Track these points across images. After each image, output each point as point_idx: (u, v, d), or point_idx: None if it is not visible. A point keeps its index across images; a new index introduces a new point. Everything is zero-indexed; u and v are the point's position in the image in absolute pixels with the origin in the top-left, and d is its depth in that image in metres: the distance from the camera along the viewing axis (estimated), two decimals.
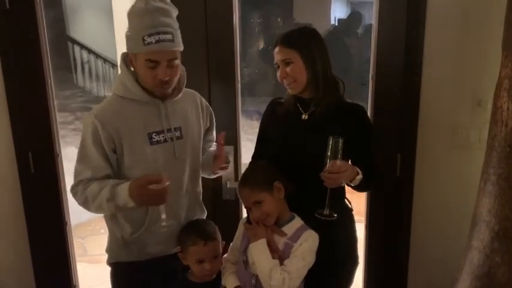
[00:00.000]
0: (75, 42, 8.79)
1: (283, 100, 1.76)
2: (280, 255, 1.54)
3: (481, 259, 1.62)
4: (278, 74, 1.66)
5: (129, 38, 1.54)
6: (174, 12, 1.56)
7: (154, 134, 1.61)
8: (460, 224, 1.88)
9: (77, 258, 2.57)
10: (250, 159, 1.87)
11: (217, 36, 2.12)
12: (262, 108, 1.87)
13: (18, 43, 2.15)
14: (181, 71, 1.65)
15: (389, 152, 2.12)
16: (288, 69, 1.61)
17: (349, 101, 1.71)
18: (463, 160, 2.07)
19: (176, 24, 1.56)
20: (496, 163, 1.57)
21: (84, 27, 9.26)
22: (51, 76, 2.25)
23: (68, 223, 2.40)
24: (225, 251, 1.73)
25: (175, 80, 1.61)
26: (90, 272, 3.43)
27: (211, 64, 2.14)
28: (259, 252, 1.53)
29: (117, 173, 1.62)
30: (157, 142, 1.61)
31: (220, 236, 1.71)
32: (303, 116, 1.68)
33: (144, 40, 1.47)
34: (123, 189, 1.51)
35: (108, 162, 1.59)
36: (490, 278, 1.59)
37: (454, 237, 1.99)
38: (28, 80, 2.19)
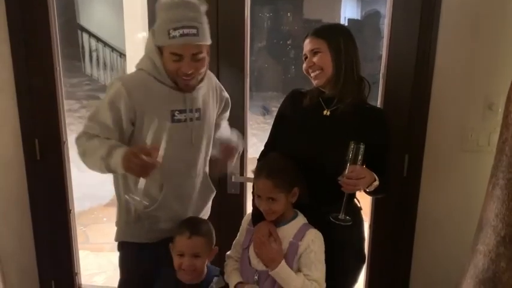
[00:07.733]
0: (84, 30, 8.80)
1: (305, 91, 1.75)
2: (285, 255, 1.55)
3: (485, 264, 1.61)
4: (304, 65, 1.67)
5: (156, 30, 1.58)
6: (202, 6, 1.57)
7: (177, 112, 1.64)
8: (465, 227, 1.86)
9: (79, 246, 2.58)
10: (256, 154, 1.85)
11: (228, 30, 2.10)
12: (269, 103, 1.85)
13: (29, 30, 2.15)
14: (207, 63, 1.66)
15: (397, 152, 2.11)
16: (315, 58, 1.62)
17: (371, 104, 1.70)
18: (471, 163, 2.05)
19: (203, 19, 1.57)
20: (506, 167, 1.55)
21: (93, 16, 9.27)
22: (60, 63, 2.25)
23: (72, 211, 2.41)
24: (216, 256, 1.72)
25: (201, 73, 1.62)
26: (92, 260, 3.44)
27: (220, 57, 2.12)
28: (284, 277, 1.53)
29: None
30: (179, 121, 1.64)
31: (214, 239, 1.70)
32: (325, 112, 1.67)
33: (169, 33, 1.51)
34: (119, 152, 1.50)
35: (119, 128, 1.59)
36: (495, 283, 1.57)
37: (459, 240, 1.98)
38: (37, 66, 2.19)
